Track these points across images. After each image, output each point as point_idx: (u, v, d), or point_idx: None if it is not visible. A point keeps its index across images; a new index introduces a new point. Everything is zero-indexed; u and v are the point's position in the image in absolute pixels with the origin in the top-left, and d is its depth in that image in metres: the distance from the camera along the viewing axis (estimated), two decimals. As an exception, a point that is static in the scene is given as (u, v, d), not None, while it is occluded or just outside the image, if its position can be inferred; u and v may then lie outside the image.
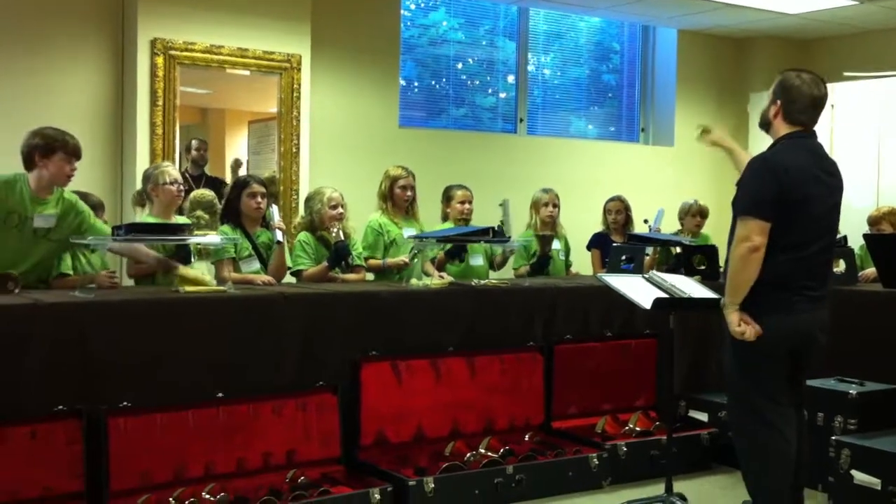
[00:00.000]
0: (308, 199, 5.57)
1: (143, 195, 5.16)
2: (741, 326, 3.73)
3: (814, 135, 3.87)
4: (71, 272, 4.77)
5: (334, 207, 5.38)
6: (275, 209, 5.20)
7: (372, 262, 5.64)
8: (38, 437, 3.75)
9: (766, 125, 3.91)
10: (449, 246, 5.67)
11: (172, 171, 5.12)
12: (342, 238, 5.29)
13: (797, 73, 3.83)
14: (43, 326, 3.89)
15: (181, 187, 5.10)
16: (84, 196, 4.95)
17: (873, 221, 6.41)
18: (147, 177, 5.12)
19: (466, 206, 6.01)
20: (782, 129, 3.82)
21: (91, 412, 3.87)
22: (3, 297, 4.02)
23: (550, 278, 6.05)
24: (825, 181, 3.80)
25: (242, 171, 7.01)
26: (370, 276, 5.66)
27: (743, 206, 3.73)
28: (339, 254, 5.27)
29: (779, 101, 3.81)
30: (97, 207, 5.00)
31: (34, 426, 3.75)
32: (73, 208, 4.65)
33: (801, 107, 3.80)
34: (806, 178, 3.71)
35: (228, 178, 6.85)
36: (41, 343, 3.86)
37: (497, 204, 5.76)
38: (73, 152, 4.54)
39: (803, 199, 3.69)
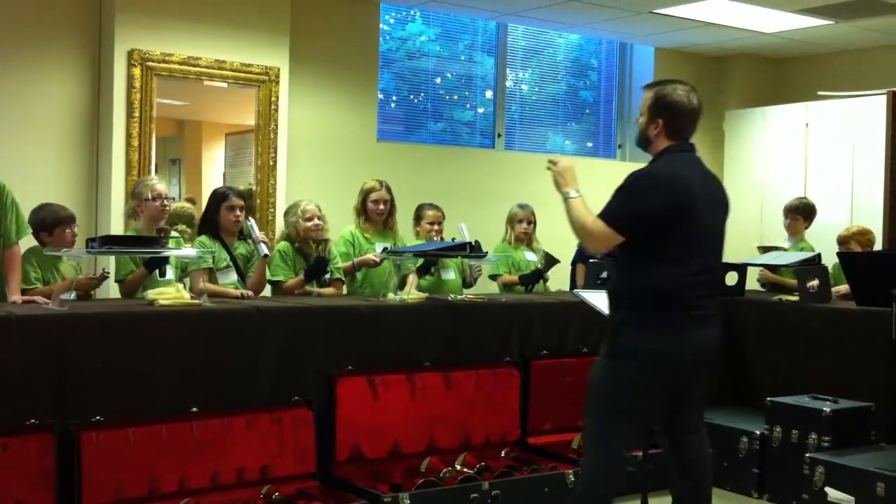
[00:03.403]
0: (286, 212, 5.58)
1: (133, 209, 5.14)
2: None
3: (693, 147, 3.74)
4: (40, 284, 4.73)
5: (309, 219, 5.39)
6: (253, 222, 5.18)
7: (343, 265, 5.61)
8: (10, 451, 3.71)
9: (645, 143, 3.76)
10: (420, 262, 5.68)
11: (158, 186, 5.08)
12: (326, 255, 5.29)
13: (673, 88, 3.67)
14: (15, 339, 3.85)
15: (165, 203, 5.07)
16: (56, 208, 4.91)
17: (842, 241, 6.43)
18: (133, 191, 5.15)
19: (436, 226, 6.00)
20: (664, 143, 3.68)
21: (63, 426, 3.83)
22: (-26, 310, 3.99)
23: (526, 294, 6.06)
24: (709, 195, 3.66)
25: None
26: (345, 291, 5.65)
27: (605, 212, 3.62)
28: (317, 268, 5.27)
29: (660, 121, 3.65)
30: (68, 220, 4.91)
31: (6, 439, 3.71)
32: (7, 192, 4.59)
33: (683, 122, 3.67)
34: (690, 189, 3.56)
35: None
36: (13, 356, 3.82)
37: (459, 227, 5.64)
38: None
39: (687, 211, 3.52)
